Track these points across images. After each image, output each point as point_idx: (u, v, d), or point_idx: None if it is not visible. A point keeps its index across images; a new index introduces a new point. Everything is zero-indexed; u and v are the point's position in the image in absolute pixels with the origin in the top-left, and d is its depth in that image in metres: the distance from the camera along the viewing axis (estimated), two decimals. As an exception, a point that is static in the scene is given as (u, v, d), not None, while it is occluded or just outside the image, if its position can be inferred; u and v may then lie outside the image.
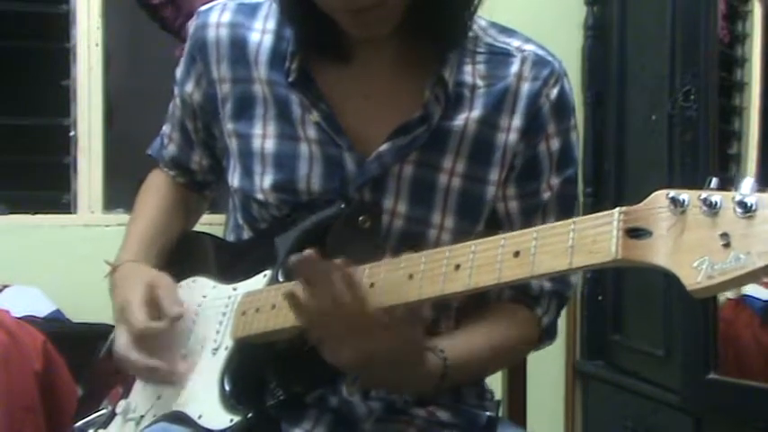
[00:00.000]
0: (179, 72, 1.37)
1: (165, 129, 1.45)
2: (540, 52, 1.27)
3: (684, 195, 0.79)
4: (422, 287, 1.00)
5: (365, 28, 1.16)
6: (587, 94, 2.95)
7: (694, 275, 0.76)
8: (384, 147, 1.21)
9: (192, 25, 1.34)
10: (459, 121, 1.23)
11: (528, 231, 0.91)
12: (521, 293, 1.29)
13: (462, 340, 1.22)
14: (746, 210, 0.74)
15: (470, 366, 1.22)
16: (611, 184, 2.85)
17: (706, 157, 2.32)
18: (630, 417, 2.69)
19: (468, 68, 1.24)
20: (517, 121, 1.24)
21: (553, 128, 1.25)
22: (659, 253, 0.80)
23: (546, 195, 1.27)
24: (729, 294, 2.45)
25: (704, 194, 0.77)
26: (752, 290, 2.44)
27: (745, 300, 2.47)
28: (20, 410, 1.97)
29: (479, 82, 1.24)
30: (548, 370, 2.91)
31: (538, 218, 1.27)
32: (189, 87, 1.35)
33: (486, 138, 1.23)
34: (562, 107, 1.26)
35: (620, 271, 2.72)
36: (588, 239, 0.84)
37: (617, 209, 0.83)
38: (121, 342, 1.22)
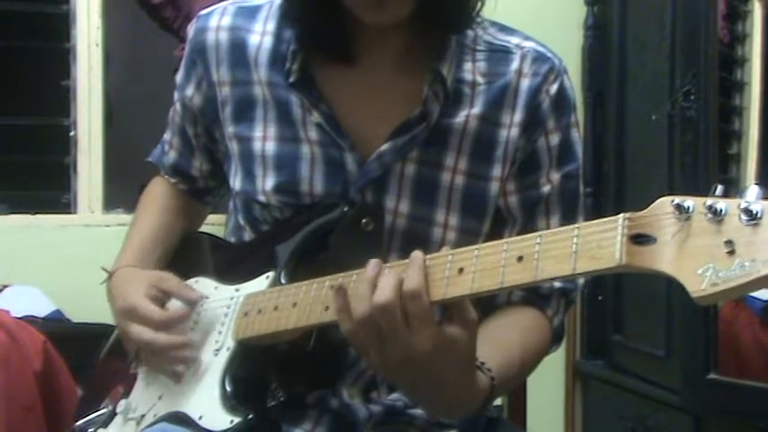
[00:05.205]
0: (179, 77, 1.37)
1: (166, 135, 1.45)
2: (540, 49, 1.27)
3: (689, 202, 0.78)
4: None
5: (384, 11, 1.14)
6: (587, 94, 2.95)
7: (699, 282, 0.76)
8: (385, 146, 1.21)
9: (191, 29, 1.34)
10: (460, 118, 1.23)
11: (531, 236, 0.91)
12: (532, 294, 1.27)
13: (499, 354, 1.12)
14: (752, 217, 0.74)
15: (508, 383, 1.14)
16: (611, 184, 2.85)
17: (706, 157, 2.31)
18: (630, 417, 2.70)
19: (467, 66, 1.24)
20: (518, 117, 1.24)
21: (552, 123, 1.26)
22: (664, 260, 0.79)
23: (546, 189, 1.27)
24: (730, 295, 2.45)
25: (710, 201, 0.77)
26: (752, 290, 2.44)
27: (745, 300, 2.47)
28: (20, 410, 1.96)
29: (479, 79, 1.24)
30: (548, 370, 2.88)
31: (540, 213, 1.27)
32: (189, 91, 1.35)
33: (488, 134, 1.24)
34: (562, 103, 1.26)
35: (620, 271, 2.72)
36: (592, 245, 0.84)
37: (621, 215, 0.83)
38: (142, 332, 1.21)
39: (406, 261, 0.99)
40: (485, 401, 1.07)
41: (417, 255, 0.98)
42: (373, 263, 1.00)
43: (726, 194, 0.77)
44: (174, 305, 1.26)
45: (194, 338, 1.24)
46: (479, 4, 1.22)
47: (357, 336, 0.99)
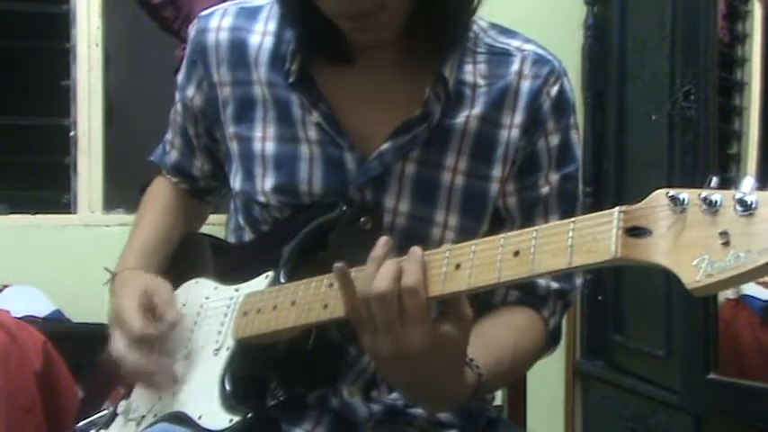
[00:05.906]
0: (180, 77, 1.37)
1: (168, 135, 1.45)
2: (541, 51, 1.28)
3: (684, 194, 0.78)
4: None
5: (366, 33, 1.16)
6: (587, 94, 2.95)
7: (694, 274, 0.76)
8: (385, 146, 1.21)
9: (192, 30, 1.35)
10: (461, 118, 1.23)
11: (528, 231, 0.91)
12: (528, 294, 1.27)
13: (490, 351, 1.13)
14: (747, 208, 0.74)
15: (498, 380, 1.17)
16: (611, 184, 2.85)
17: (706, 157, 2.32)
18: (630, 417, 2.70)
19: (468, 68, 1.24)
20: (518, 118, 1.24)
21: (552, 125, 1.26)
22: (659, 252, 0.79)
23: (545, 190, 1.27)
24: (729, 294, 2.46)
25: (704, 193, 0.77)
26: (752, 290, 2.45)
27: (745, 300, 2.47)
28: (20, 410, 1.97)
29: (480, 81, 1.24)
30: (548, 370, 2.90)
31: (539, 214, 1.27)
32: (190, 92, 1.35)
33: (488, 135, 1.24)
34: (562, 105, 1.26)
35: (620, 271, 2.73)
36: (588, 238, 0.84)
37: (617, 208, 0.83)
38: (119, 345, 1.21)
39: (405, 257, 0.99)
40: (471, 396, 1.08)
41: (416, 250, 0.99)
42: (383, 240, 1.01)
43: (721, 187, 0.77)
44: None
45: (194, 339, 1.25)
46: (470, 18, 1.22)
47: (353, 317, 1.00)
